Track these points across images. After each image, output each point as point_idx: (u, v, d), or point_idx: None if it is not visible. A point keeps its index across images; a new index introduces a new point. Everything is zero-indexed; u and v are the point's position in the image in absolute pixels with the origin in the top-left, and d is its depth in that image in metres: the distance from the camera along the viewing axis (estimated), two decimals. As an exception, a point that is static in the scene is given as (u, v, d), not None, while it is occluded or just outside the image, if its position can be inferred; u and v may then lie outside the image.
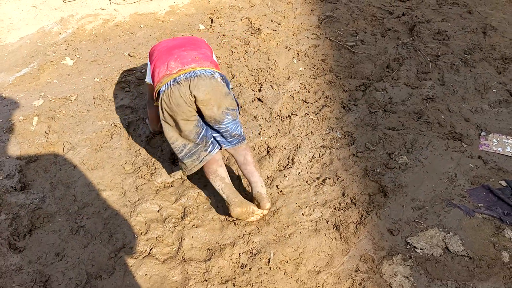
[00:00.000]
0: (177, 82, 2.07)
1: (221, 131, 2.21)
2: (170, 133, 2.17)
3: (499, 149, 2.52)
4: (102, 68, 3.13)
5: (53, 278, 2.02)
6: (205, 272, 2.03)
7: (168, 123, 2.15)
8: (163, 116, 2.14)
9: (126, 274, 2.02)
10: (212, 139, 2.26)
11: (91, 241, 2.18)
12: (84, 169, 2.51)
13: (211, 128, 2.24)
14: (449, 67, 3.07)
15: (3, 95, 2.91)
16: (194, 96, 2.06)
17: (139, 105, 2.86)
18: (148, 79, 2.36)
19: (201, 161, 2.23)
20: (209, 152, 2.23)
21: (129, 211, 2.31)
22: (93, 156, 2.58)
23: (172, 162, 2.55)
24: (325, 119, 2.77)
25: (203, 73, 2.10)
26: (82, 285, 1.98)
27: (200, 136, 2.19)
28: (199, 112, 2.15)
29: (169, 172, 2.48)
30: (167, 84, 2.09)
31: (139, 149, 2.61)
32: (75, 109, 2.84)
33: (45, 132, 2.69)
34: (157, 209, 2.33)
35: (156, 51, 2.30)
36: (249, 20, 3.56)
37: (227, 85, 2.23)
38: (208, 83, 2.08)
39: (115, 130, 2.72)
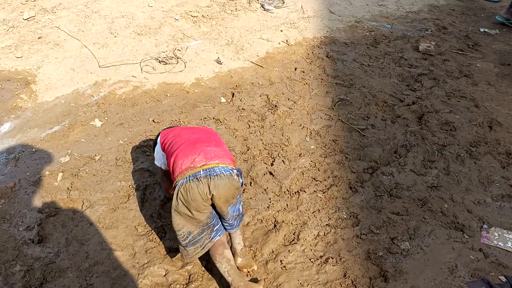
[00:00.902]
0: (196, 178, 2.16)
1: (225, 217, 2.33)
2: (178, 220, 2.23)
3: (500, 243, 2.59)
4: (127, 131, 3.35)
5: (57, 335, 2.08)
6: None
7: (179, 213, 2.22)
8: (177, 206, 2.20)
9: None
10: (218, 225, 2.34)
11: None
12: (100, 227, 2.64)
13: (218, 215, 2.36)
14: (454, 158, 3.21)
15: (34, 150, 3.13)
16: (212, 194, 2.18)
17: (157, 169, 3.03)
18: (158, 163, 2.54)
19: (203, 247, 2.29)
20: (212, 239, 2.31)
21: (137, 273, 2.40)
22: (109, 215, 2.72)
23: (183, 228, 2.66)
24: (332, 198, 2.89)
25: (223, 172, 2.20)
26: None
27: (208, 224, 2.28)
28: (212, 204, 2.27)
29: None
30: (187, 178, 2.18)
31: (152, 212, 2.75)
32: (98, 168, 3.02)
33: (68, 188, 2.85)
34: (164, 274, 2.42)
35: (176, 143, 2.37)
36: (267, 97, 3.81)
37: (240, 176, 2.35)
38: (226, 182, 2.18)
39: (132, 191, 2.88)
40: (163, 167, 2.57)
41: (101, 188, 2.89)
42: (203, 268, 2.45)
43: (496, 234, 2.65)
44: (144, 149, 3.20)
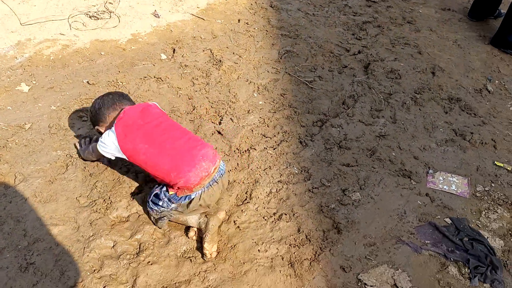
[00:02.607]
0: (215, 181, 2.27)
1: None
2: (179, 217, 2.37)
3: (445, 187, 2.68)
4: (59, 95, 3.07)
5: (-2, 320, 1.94)
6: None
7: (182, 213, 2.33)
8: (188, 210, 2.28)
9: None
10: None
11: (41, 279, 2.11)
12: (36, 202, 2.43)
13: None
14: (400, 106, 3.24)
15: (-49, 122, 2.79)
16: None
17: (96, 135, 2.82)
18: (114, 152, 2.31)
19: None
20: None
21: (82, 247, 2.25)
22: (46, 188, 2.51)
23: (131, 195, 2.52)
24: (283, 154, 2.84)
25: (223, 169, 2.38)
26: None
27: None
28: None
29: (126, 206, 2.45)
30: (208, 184, 2.25)
31: (95, 182, 2.57)
32: (29, 138, 2.76)
33: (-4, 162, 2.59)
34: (112, 245, 2.29)
35: (154, 144, 2.24)
36: (211, 52, 3.62)
37: None
38: (226, 178, 2.46)
39: (70, 161, 2.66)
40: (112, 158, 2.38)
41: (35, 159, 2.65)
42: (153, 236, 2.35)
43: (441, 178, 2.73)
44: (80, 114, 2.95)
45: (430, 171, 2.78)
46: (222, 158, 2.75)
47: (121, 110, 2.37)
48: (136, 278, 2.15)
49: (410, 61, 3.72)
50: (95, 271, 2.17)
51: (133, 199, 2.50)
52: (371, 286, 2.14)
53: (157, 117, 2.37)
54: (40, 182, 2.53)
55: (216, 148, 2.82)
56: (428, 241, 2.36)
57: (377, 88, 3.39)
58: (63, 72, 3.27)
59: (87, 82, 3.20)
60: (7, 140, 2.72)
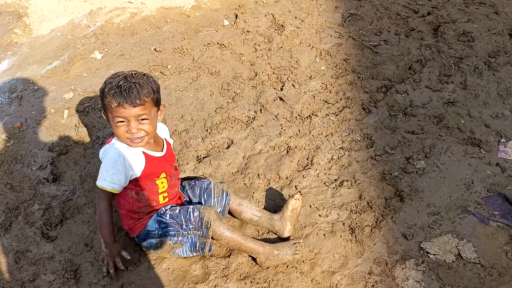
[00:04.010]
0: None
1: None
2: None
3: (518, 157, 2.54)
4: (129, 62, 3.23)
5: (83, 267, 2.15)
6: (225, 268, 2.13)
7: None
8: None
9: (150, 267, 2.14)
10: None
11: (118, 233, 2.30)
12: (112, 162, 2.62)
13: None
14: (472, 71, 3.07)
15: (36, 87, 3.04)
16: None
17: (164, 100, 2.94)
18: None
19: None
20: None
21: (154, 206, 2.42)
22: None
23: (196, 159, 2.64)
24: (345, 120, 2.82)
25: None
26: (110, 275, 2.11)
27: None
28: None
29: (192, 169, 2.58)
30: None
31: (163, 145, 2.71)
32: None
33: (75, 126, 2.81)
34: (180, 205, 2.44)
35: None
36: (273, 16, 3.60)
37: None
38: None
39: (141, 125, 2.82)
40: None
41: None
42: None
43: (514, 148, 2.59)
44: (148, 80, 3.09)
45: (503, 140, 2.64)
46: (283, 124, 2.79)
47: None
48: (203, 236, 2.28)
49: (485, 22, 3.47)
50: (166, 228, 2.33)
51: (199, 162, 2.62)
52: (434, 254, 2.12)
53: None
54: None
55: (277, 115, 2.86)
56: (497, 212, 2.28)
57: (447, 52, 3.21)
58: (132, 40, 3.41)
59: (154, 49, 3.32)
60: (84, 105, 2.93)
